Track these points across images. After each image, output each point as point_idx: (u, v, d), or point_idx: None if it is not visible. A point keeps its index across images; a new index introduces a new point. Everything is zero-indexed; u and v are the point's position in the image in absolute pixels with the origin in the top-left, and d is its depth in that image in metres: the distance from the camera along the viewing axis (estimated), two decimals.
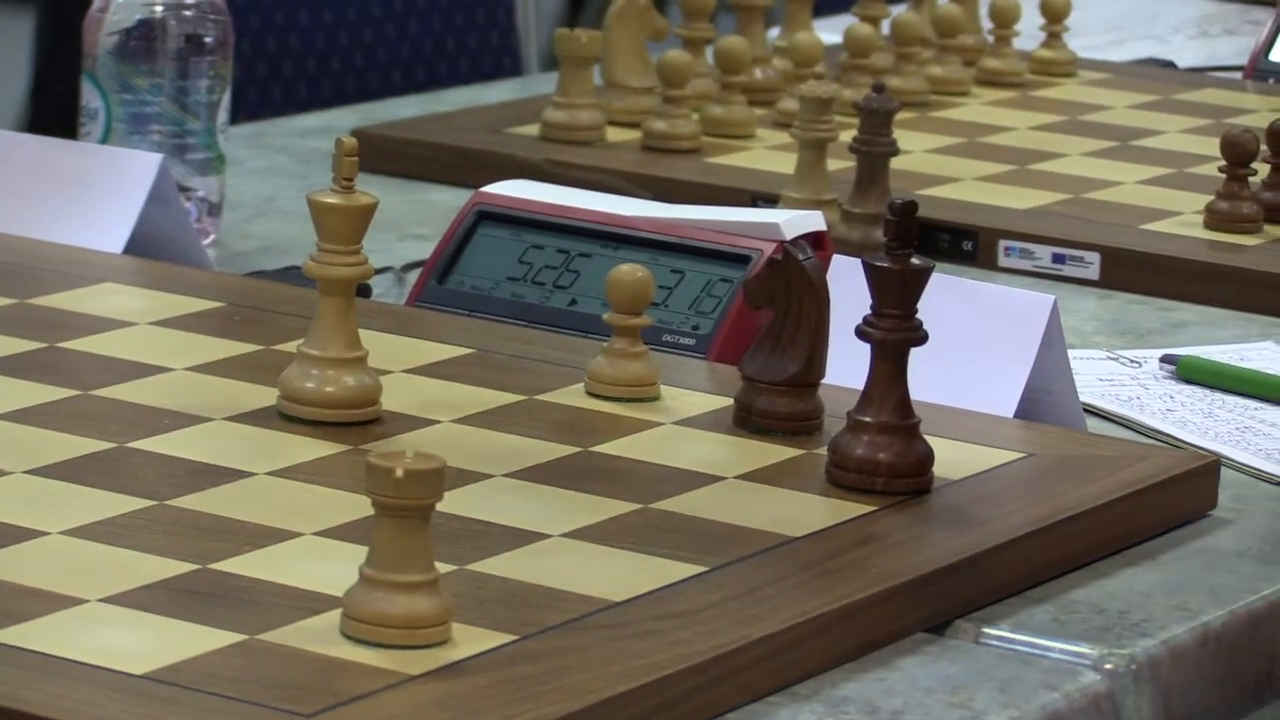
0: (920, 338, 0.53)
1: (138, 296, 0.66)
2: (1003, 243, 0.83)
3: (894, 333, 0.53)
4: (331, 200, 0.54)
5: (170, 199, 0.73)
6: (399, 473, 0.39)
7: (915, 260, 0.53)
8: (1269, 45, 1.18)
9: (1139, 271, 0.80)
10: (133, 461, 0.51)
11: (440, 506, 0.40)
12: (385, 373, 0.57)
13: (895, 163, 0.79)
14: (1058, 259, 0.83)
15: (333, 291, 0.54)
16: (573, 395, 0.58)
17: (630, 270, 0.59)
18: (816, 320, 0.56)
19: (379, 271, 0.65)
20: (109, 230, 0.70)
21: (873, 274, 0.53)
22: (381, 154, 0.88)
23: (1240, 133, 0.86)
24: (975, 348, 0.61)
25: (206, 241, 0.78)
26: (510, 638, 0.41)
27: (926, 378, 0.55)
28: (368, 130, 0.93)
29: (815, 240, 0.65)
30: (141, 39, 0.77)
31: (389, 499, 0.39)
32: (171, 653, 0.38)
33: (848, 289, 0.55)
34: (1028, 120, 1.01)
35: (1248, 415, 0.67)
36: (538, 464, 0.53)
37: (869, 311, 0.53)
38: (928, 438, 0.53)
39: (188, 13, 0.78)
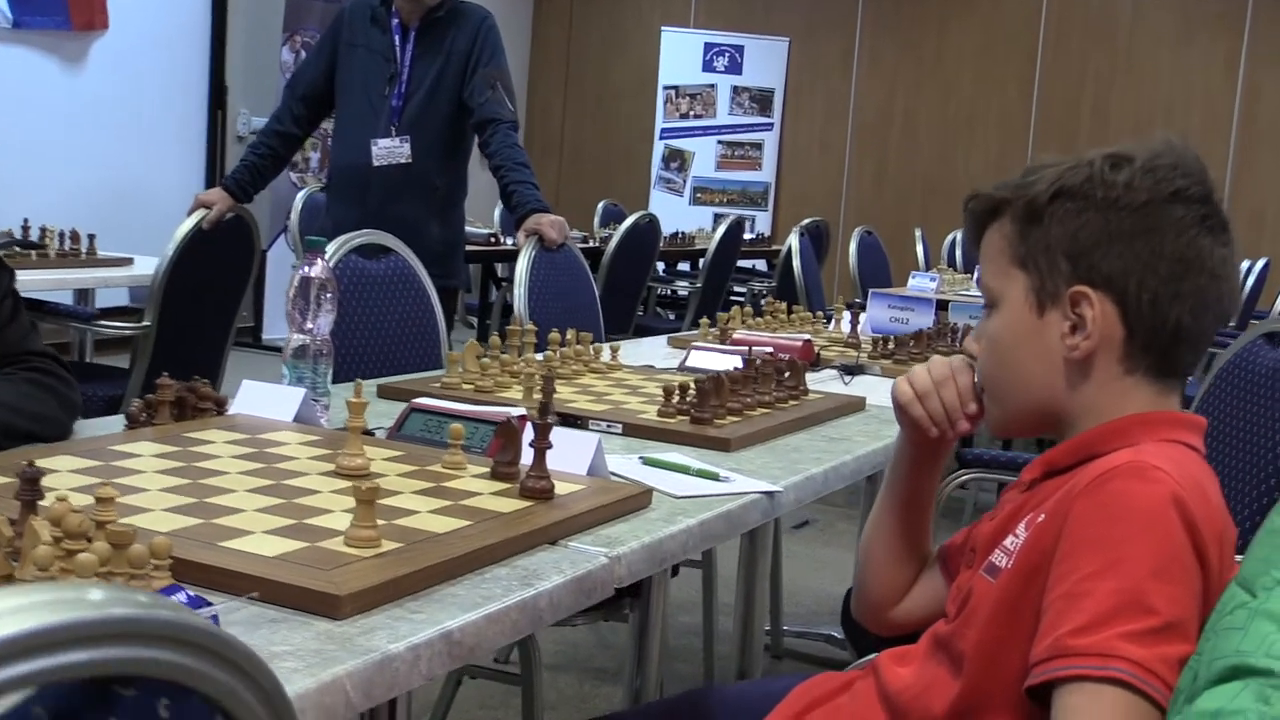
0: (549, 446, 1.59)
1: None
2: (591, 420, 1.95)
3: (543, 444, 1.59)
4: None
5: None
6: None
7: (550, 422, 1.59)
8: None
9: (636, 430, 1.94)
10: None
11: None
12: None
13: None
14: (609, 426, 1.96)
15: None
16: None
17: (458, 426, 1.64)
18: (517, 442, 1.62)
19: None
20: None
21: (534, 428, 1.59)
22: None
23: (669, 383, 2.02)
24: (577, 451, 1.69)
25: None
26: None
27: (561, 462, 1.62)
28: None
29: (522, 418, 1.72)
30: None
31: None
32: None
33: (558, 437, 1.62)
34: (602, 381, 2.15)
35: (675, 477, 1.77)
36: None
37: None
38: (556, 480, 1.58)
39: None
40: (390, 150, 3.73)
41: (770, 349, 2.63)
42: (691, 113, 10.94)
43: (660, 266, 8.10)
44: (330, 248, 2.68)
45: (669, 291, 8.10)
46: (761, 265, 9.18)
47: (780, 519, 3.59)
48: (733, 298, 7.60)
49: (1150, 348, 1.23)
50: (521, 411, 1.77)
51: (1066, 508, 1.12)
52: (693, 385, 2.08)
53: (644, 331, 6.40)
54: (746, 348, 2.37)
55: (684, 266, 8.52)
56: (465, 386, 2.25)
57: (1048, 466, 1.24)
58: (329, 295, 1.93)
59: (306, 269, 1.91)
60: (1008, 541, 1.20)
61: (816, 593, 4.25)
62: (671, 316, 7.74)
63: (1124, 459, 1.12)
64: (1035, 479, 1.25)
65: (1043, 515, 1.17)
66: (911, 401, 1.41)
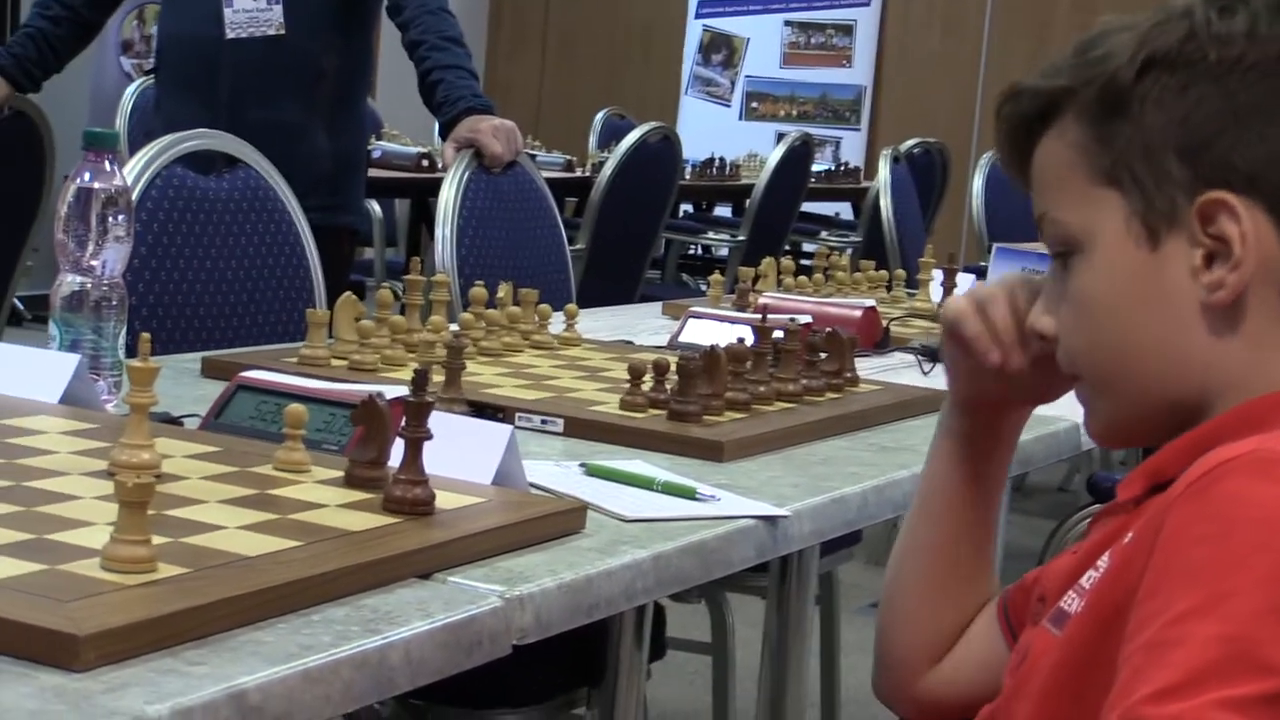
0: (427, 435, 1.63)
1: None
2: (518, 413, 2.02)
3: (417, 433, 1.64)
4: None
5: None
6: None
7: (426, 399, 1.64)
8: None
9: (584, 428, 2.03)
10: None
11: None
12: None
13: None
14: (545, 421, 2.02)
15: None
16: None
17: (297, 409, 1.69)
18: (384, 432, 1.67)
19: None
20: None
21: (406, 409, 1.64)
22: None
23: (638, 361, 2.09)
24: (479, 449, 1.73)
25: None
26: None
27: (453, 465, 1.66)
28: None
29: (397, 400, 1.76)
30: None
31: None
32: None
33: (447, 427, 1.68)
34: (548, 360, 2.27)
35: (629, 492, 1.81)
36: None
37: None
38: (441, 490, 1.63)
39: None
40: (253, 16, 3.77)
41: (808, 318, 2.67)
42: None
43: (687, 209, 8.15)
44: (143, 153, 2.73)
45: (699, 248, 8.15)
46: (848, 211, 9.21)
47: (838, 592, 3.61)
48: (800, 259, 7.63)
49: None
50: (400, 391, 1.81)
51: (1159, 521, 1.15)
52: (673, 365, 2.13)
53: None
54: (761, 315, 2.41)
55: (725, 212, 8.56)
56: (336, 362, 2.30)
57: (1154, 476, 1.26)
58: (122, 217, 1.98)
59: (86, 176, 1.96)
60: (1084, 579, 1.23)
61: None
62: (703, 286, 7.76)
63: (1245, 449, 1.14)
64: (1137, 497, 1.27)
65: (1129, 535, 1.20)
66: (964, 315, 1.43)
